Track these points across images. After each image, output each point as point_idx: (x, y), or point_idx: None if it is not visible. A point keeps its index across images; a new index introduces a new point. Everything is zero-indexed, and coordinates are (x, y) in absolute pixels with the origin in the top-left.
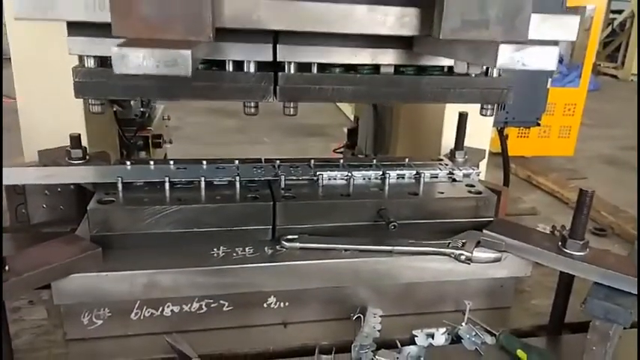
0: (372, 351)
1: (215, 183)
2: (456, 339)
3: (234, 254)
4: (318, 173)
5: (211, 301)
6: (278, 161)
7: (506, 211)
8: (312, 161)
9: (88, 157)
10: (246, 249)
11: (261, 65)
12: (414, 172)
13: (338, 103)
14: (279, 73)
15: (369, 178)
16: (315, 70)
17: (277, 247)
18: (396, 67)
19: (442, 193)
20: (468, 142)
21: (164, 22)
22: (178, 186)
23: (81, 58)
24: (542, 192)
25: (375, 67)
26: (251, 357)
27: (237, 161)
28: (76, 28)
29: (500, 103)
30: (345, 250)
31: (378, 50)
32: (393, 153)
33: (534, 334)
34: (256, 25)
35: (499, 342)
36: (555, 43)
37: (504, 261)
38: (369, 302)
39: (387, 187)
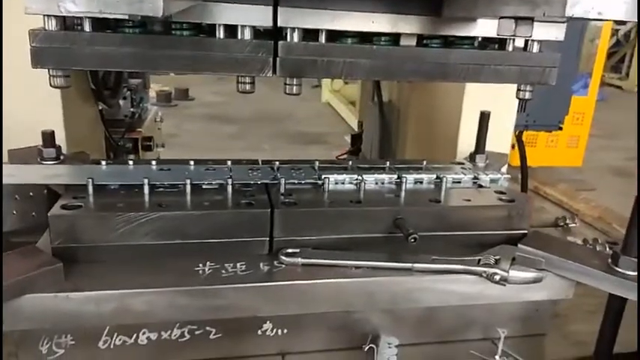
0: None
1: (204, 187)
2: None
3: (223, 271)
4: (323, 176)
5: (195, 327)
6: (277, 163)
7: (531, 223)
8: (317, 163)
9: (62, 158)
10: (238, 265)
11: (258, 32)
12: (434, 175)
13: (339, 111)
14: (280, 42)
15: (383, 183)
16: (323, 39)
17: (275, 262)
18: (420, 37)
19: (468, 200)
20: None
21: None
22: (160, 190)
23: None
24: (550, 203)
25: (395, 38)
26: None
27: (229, 162)
28: None
29: (542, 83)
30: (356, 267)
31: (399, 17)
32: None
33: None
34: None
35: None
36: None
37: (544, 281)
38: (383, 330)
39: (403, 193)
